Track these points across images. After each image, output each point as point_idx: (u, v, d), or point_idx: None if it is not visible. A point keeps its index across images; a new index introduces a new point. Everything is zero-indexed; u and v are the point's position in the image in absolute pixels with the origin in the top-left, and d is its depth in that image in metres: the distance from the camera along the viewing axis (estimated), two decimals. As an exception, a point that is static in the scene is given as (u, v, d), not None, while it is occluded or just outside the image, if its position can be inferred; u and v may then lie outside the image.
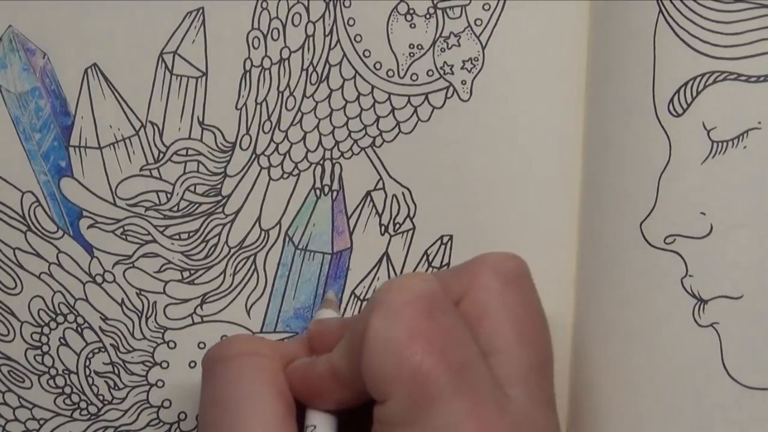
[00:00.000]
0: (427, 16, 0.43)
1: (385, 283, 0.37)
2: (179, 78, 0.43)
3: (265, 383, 0.38)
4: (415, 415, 0.34)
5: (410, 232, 0.44)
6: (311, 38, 0.43)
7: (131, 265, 0.44)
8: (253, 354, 0.39)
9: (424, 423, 0.34)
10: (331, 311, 0.43)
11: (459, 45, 0.43)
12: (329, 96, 0.43)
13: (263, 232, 0.44)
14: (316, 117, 0.44)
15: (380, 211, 0.44)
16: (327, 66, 0.43)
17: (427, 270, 0.44)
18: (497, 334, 0.37)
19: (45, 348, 0.44)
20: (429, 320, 0.35)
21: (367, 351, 0.35)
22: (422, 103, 0.43)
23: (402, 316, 0.35)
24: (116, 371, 0.44)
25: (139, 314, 0.44)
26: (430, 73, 0.43)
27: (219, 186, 0.43)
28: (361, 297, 0.45)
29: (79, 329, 0.44)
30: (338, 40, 0.43)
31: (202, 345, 0.44)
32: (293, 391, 0.39)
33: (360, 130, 0.44)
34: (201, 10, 0.42)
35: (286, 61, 0.43)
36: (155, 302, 0.44)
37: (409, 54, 0.43)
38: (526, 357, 0.38)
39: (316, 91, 0.43)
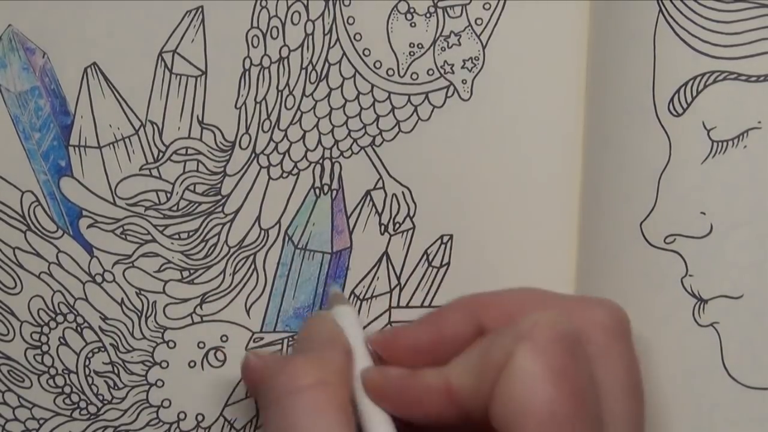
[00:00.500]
0: (428, 15, 0.43)
1: (528, 317, 0.36)
2: (179, 77, 0.42)
3: (337, 415, 0.37)
4: None
5: (410, 232, 0.44)
6: (311, 37, 0.43)
7: (131, 264, 0.44)
8: (321, 384, 0.38)
9: None
10: (347, 307, 0.42)
11: (459, 44, 0.43)
12: (329, 95, 0.43)
13: (263, 232, 0.44)
14: (316, 116, 0.43)
15: (380, 211, 0.44)
16: (326, 65, 0.43)
17: (427, 270, 0.44)
18: (610, 377, 0.37)
19: (45, 347, 0.44)
20: (574, 362, 0.35)
21: (509, 381, 0.35)
22: (422, 102, 0.43)
23: (550, 353, 0.35)
24: (116, 371, 0.44)
25: (139, 314, 0.44)
26: (431, 72, 0.43)
27: (218, 185, 0.43)
28: (361, 296, 0.45)
29: (78, 329, 0.44)
30: (338, 39, 0.43)
31: (201, 345, 0.44)
32: (381, 395, 0.39)
33: (359, 129, 0.44)
34: (200, 9, 0.42)
35: (286, 60, 0.43)
36: (155, 302, 0.44)
37: (410, 53, 0.43)
38: (630, 406, 0.38)
39: (315, 89, 0.43)
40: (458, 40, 0.43)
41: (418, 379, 0.38)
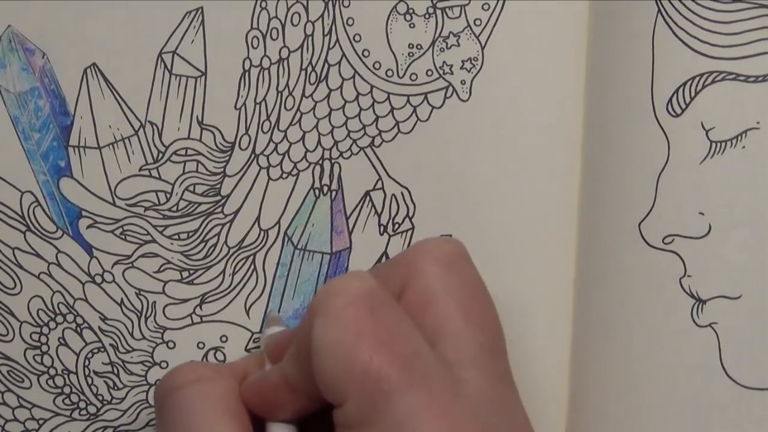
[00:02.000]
0: (427, 15, 0.43)
1: (321, 288, 0.37)
2: (178, 78, 0.43)
3: (214, 407, 0.38)
4: (373, 413, 0.34)
5: (409, 232, 0.44)
6: (310, 38, 0.43)
7: (130, 265, 0.44)
8: (198, 380, 0.39)
9: (382, 420, 0.34)
10: (279, 327, 0.43)
11: (458, 45, 0.43)
12: (328, 96, 0.43)
13: (262, 232, 0.44)
14: (315, 117, 0.44)
15: (379, 211, 0.44)
16: (326, 66, 0.43)
17: None
18: (444, 317, 0.38)
19: (44, 348, 0.44)
20: (371, 318, 0.35)
21: (315, 358, 0.35)
22: (421, 102, 0.43)
23: (343, 318, 0.35)
24: (115, 371, 0.44)
25: (139, 314, 0.44)
26: (430, 72, 0.43)
27: (218, 186, 0.44)
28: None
29: (78, 329, 0.44)
30: (337, 40, 0.43)
31: (201, 345, 0.44)
32: (250, 405, 0.39)
33: (359, 130, 0.44)
34: (200, 10, 0.42)
35: (285, 61, 0.43)
36: (154, 302, 0.44)
37: (409, 54, 0.43)
38: (475, 337, 0.38)
39: (315, 90, 0.43)
40: (457, 40, 0.43)
41: (265, 380, 0.39)
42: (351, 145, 0.44)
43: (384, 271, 0.39)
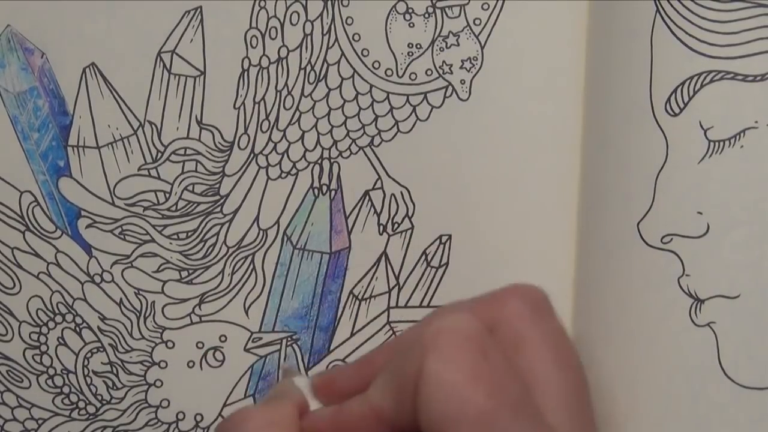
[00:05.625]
0: (426, 15, 0.43)
1: (432, 326, 0.36)
2: (177, 77, 0.43)
3: None
4: None
5: (409, 232, 0.44)
6: (309, 37, 0.43)
7: (129, 264, 0.44)
8: (269, 426, 0.38)
9: None
10: (300, 377, 0.42)
11: (458, 44, 0.43)
12: (327, 95, 0.43)
13: (261, 232, 0.44)
14: (314, 116, 0.44)
15: (379, 211, 0.44)
16: (325, 65, 0.43)
17: (426, 270, 0.44)
18: (536, 361, 0.38)
19: (43, 348, 0.44)
20: (485, 361, 0.35)
21: (426, 394, 0.35)
22: (421, 102, 0.43)
23: (459, 357, 0.35)
24: (114, 371, 0.45)
25: (138, 314, 0.44)
26: (429, 72, 0.43)
27: (217, 185, 0.44)
28: (359, 296, 0.45)
29: (77, 329, 0.44)
30: (336, 39, 0.43)
31: (200, 345, 0.44)
32: None
33: (358, 130, 0.44)
34: (199, 10, 0.42)
35: (284, 60, 0.43)
36: (153, 302, 0.44)
37: (408, 53, 0.43)
38: (565, 383, 0.38)
39: (314, 90, 0.43)
40: (457, 40, 0.43)
41: (346, 411, 0.39)
42: (350, 145, 0.44)
43: (470, 306, 0.39)
